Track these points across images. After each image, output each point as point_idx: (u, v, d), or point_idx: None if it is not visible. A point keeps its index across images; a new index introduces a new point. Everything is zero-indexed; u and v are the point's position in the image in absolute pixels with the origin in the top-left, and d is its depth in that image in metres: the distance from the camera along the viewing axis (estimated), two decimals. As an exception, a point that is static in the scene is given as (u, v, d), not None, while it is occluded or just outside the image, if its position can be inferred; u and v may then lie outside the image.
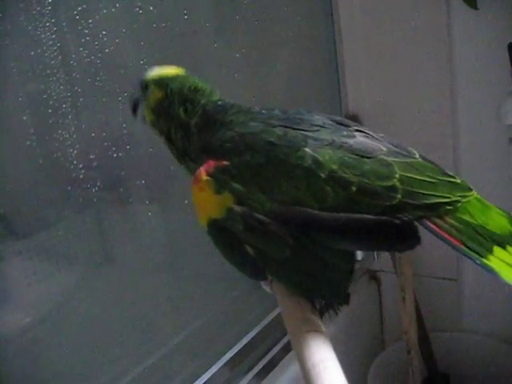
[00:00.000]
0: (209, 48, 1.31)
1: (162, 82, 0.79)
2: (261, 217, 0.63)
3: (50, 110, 0.96)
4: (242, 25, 1.42)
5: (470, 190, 0.68)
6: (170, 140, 0.79)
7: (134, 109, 0.83)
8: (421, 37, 1.63)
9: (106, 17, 1.05)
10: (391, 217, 0.61)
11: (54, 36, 0.95)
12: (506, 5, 1.47)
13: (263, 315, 1.49)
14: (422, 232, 0.62)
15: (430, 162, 0.69)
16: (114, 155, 1.11)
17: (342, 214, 0.62)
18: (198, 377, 1.25)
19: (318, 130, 0.68)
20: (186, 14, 1.22)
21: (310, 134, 0.67)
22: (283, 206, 0.64)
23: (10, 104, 0.93)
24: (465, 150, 1.69)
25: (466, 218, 0.64)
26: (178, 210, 1.32)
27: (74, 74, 1.00)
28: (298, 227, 0.63)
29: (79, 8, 1.00)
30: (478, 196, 0.68)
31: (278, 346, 1.47)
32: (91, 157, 1.06)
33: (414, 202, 0.63)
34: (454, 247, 0.62)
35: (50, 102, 0.96)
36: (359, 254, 1.81)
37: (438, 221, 0.63)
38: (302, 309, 0.66)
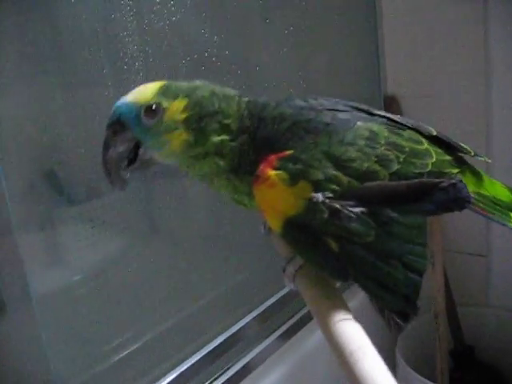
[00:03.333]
0: (261, 24, 1.43)
1: (171, 90, 0.66)
2: (343, 202, 0.60)
3: (125, 67, 1.10)
4: (290, 4, 1.54)
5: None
6: (220, 154, 0.67)
7: (120, 173, 0.66)
8: (458, 22, 1.71)
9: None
10: (449, 178, 0.64)
11: (130, 2, 1.09)
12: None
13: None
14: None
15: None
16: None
17: (412, 181, 0.63)
18: (229, 327, 1.37)
19: (352, 111, 0.72)
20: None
21: (354, 113, 0.71)
22: (359, 182, 0.62)
23: (92, 60, 1.07)
24: (497, 128, 1.77)
25: (481, 191, 0.72)
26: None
27: (145, 37, 1.13)
28: (376, 203, 0.61)
29: (153, -22, 1.13)
30: (483, 172, 0.76)
31: (304, 309, 1.57)
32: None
33: (444, 158, 0.71)
34: (487, 217, 0.70)
35: (126, 60, 1.10)
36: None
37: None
38: (330, 299, 0.63)
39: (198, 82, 0.69)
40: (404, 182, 0.63)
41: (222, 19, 1.30)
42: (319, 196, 0.60)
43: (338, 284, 0.69)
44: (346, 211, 0.60)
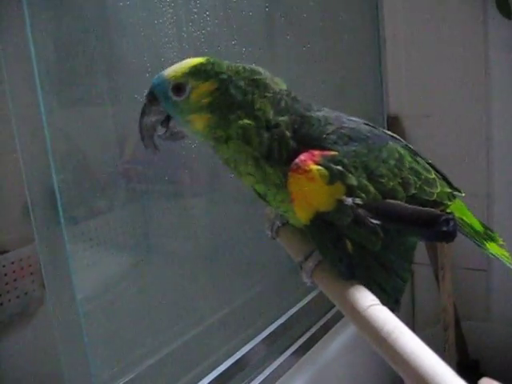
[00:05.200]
0: (282, 39, 1.49)
1: (204, 71, 0.65)
2: (365, 211, 0.64)
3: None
4: (305, 25, 1.60)
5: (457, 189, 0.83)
6: (247, 141, 0.67)
7: (152, 139, 0.68)
8: (458, 44, 1.81)
9: (209, 1, 1.22)
10: (447, 213, 0.68)
11: (171, 10, 1.13)
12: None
13: (301, 297, 1.60)
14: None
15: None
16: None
17: (422, 208, 0.68)
18: (236, 350, 1.35)
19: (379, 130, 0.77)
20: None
21: (381, 131, 0.76)
22: (382, 197, 0.66)
23: (136, 66, 1.09)
24: (497, 149, 1.85)
25: (464, 218, 0.80)
26: (220, 203, 1.45)
27: (183, 44, 1.16)
28: (391, 220, 0.66)
29: (191, -10, 1.17)
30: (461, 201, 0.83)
31: (316, 326, 1.59)
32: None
33: (444, 190, 0.77)
34: (469, 239, 0.80)
35: (166, 66, 1.11)
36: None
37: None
38: (353, 289, 0.65)
39: (249, 67, 0.69)
40: (415, 207, 0.68)
41: (249, 33, 1.34)
42: (349, 200, 0.64)
43: None
44: (367, 220, 0.64)
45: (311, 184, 0.63)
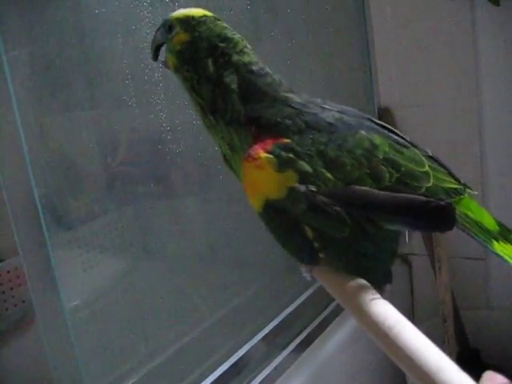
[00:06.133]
0: (267, 36, 1.47)
1: (188, 23, 0.72)
2: (324, 198, 0.62)
3: (145, 77, 1.11)
4: (292, 21, 1.58)
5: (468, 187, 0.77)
6: (194, 90, 0.72)
7: (156, 52, 0.77)
8: (447, 33, 1.79)
9: (188, 3, 1.20)
10: (438, 199, 0.64)
11: (149, 14, 1.11)
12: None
13: (298, 294, 1.58)
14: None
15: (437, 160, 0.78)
16: (158, 148, 1.21)
17: (400, 194, 0.64)
18: (235, 351, 1.32)
19: (361, 119, 0.73)
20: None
21: (361, 120, 0.72)
22: (345, 185, 0.64)
23: (116, 70, 1.08)
24: (490, 139, 1.83)
25: (469, 213, 0.73)
26: (216, 202, 1.43)
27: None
28: (358, 207, 0.63)
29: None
30: (472, 197, 0.77)
31: (315, 322, 1.57)
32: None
33: (441, 185, 0.71)
34: (471, 237, 0.71)
35: (146, 71, 1.11)
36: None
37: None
38: (353, 283, 0.65)
39: (227, 35, 0.72)
40: (391, 193, 0.64)
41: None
42: (303, 187, 0.62)
43: None
44: (327, 207, 0.62)
45: (260, 172, 0.63)
